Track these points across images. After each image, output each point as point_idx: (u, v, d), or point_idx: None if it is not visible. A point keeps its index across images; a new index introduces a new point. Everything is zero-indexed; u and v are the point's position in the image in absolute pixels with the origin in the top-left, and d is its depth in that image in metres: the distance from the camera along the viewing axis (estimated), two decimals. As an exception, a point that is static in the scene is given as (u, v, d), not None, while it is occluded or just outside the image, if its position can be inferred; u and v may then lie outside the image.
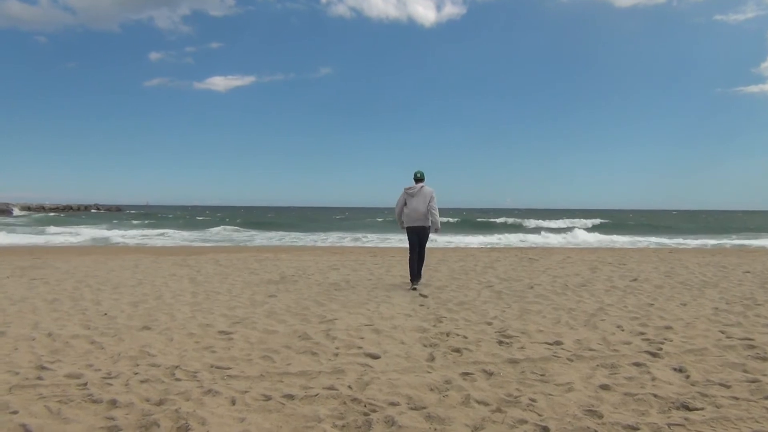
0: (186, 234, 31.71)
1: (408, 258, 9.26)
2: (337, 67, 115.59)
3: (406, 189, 9.10)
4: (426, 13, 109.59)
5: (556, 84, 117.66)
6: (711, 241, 26.25)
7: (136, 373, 4.27)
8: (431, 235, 9.23)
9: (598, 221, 46.49)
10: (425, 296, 7.99)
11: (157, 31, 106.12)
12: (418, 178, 9.12)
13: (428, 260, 11.98)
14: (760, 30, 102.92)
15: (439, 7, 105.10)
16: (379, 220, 48.27)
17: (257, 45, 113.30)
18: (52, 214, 51.82)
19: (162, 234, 31.12)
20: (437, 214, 8.93)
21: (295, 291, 8.54)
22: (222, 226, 39.03)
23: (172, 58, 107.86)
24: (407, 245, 9.33)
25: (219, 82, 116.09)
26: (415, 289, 8.78)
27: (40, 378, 4.16)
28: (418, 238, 9.07)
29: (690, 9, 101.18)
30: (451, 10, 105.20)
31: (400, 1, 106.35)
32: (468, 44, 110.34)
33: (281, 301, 7.64)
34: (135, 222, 46.55)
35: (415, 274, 9.09)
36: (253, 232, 34.29)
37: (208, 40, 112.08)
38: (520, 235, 29.70)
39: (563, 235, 29.35)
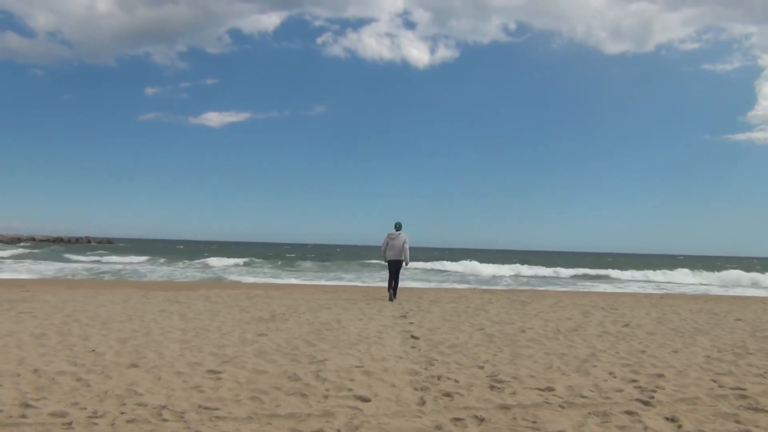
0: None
1: (387, 280, 14.04)
2: (331, 106, 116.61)
3: (388, 234, 13.67)
4: (420, 56, 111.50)
5: (546, 128, 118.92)
6: None
7: (123, 413, 4.21)
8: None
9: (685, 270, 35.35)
10: (417, 338, 7.94)
11: (153, 67, 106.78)
12: (397, 228, 13.67)
13: (420, 301, 13.56)
14: (746, 80, 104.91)
15: (432, 51, 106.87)
16: (370, 261, 47.07)
17: (253, 82, 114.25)
18: (22, 249, 51.01)
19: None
20: (408, 252, 13.64)
21: (285, 330, 8.47)
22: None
23: (168, 93, 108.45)
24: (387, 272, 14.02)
25: (213, 118, 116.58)
26: (392, 300, 13.34)
27: (24, 416, 4.09)
28: (395, 267, 13.73)
29: (678, 58, 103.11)
30: (444, 53, 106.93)
31: (394, 44, 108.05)
32: (460, 86, 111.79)
33: (271, 340, 7.57)
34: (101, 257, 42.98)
35: (392, 291, 13.60)
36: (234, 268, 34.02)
37: (203, 76, 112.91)
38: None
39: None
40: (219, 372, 5.61)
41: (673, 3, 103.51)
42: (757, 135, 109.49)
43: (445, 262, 40.13)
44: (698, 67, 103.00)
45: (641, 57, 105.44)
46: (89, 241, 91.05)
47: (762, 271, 38.56)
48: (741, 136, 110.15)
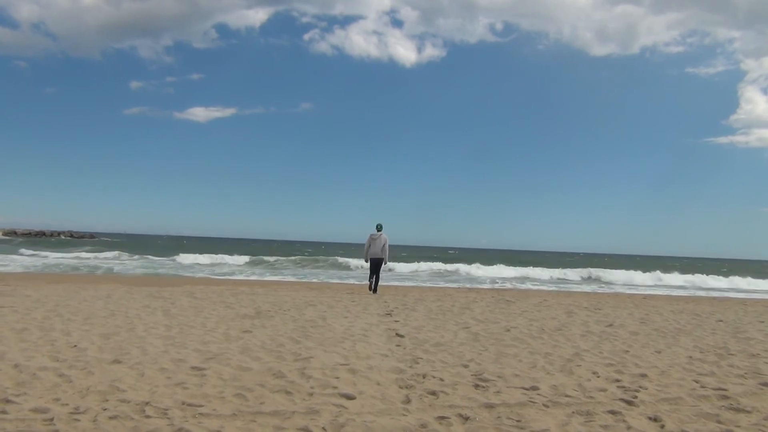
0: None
1: (368, 277, 15.22)
2: (317, 103, 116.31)
3: (371, 235, 14.75)
4: (407, 54, 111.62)
5: (531, 128, 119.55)
6: None
7: (105, 409, 4.16)
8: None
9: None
10: (402, 336, 7.95)
11: (138, 61, 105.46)
12: (378, 229, 14.76)
13: (405, 299, 13.53)
14: (729, 84, 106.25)
15: (419, 49, 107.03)
16: (354, 259, 46.58)
17: (239, 78, 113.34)
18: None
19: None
20: (388, 252, 14.75)
21: (270, 327, 8.43)
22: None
23: (153, 87, 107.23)
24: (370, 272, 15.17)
25: (199, 113, 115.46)
26: (373, 292, 14.69)
27: (4, 412, 4.03)
28: (376, 265, 14.86)
29: (663, 61, 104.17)
30: (431, 52, 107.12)
31: (381, 42, 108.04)
32: (447, 85, 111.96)
33: (256, 336, 7.53)
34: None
35: (374, 288, 14.83)
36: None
37: (189, 71, 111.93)
38: None
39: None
40: (203, 369, 5.57)
41: (658, 6, 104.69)
42: (739, 138, 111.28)
43: (431, 262, 40.08)
44: (682, 70, 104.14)
45: (626, 59, 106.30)
46: (71, 236, 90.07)
47: (744, 273, 39.09)
48: (723, 140, 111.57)
